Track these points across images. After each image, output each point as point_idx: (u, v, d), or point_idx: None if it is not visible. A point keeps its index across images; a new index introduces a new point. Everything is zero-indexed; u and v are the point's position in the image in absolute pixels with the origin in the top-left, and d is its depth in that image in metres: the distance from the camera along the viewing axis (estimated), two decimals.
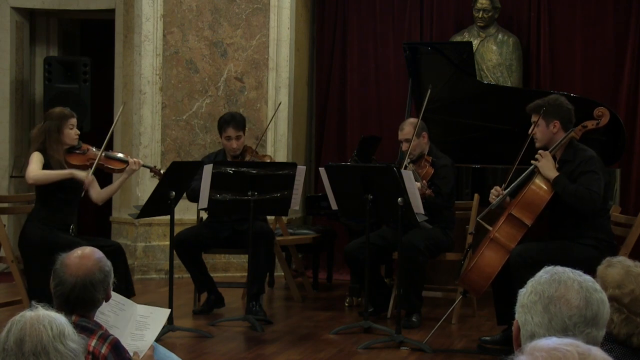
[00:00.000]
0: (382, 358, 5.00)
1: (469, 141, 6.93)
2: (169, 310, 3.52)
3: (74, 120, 5.44)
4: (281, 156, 7.70)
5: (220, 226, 6.15)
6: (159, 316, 3.39)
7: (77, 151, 5.50)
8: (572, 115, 5.03)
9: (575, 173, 4.92)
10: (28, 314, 2.05)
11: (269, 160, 6.22)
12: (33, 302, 2.22)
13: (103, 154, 5.50)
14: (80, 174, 5.38)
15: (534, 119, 5.04)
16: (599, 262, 2.57)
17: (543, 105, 5.01)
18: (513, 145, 5.33)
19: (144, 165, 5.74)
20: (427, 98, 5.90)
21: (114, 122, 6.00)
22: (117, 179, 5.84)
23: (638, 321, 2.40)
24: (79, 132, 5.49)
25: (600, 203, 4.91)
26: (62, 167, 5.37)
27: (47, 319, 2.03)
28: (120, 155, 5.69)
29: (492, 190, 5.15)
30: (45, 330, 1.99)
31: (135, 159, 5.65)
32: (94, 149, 5.56)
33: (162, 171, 5.65)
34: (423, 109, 5.94)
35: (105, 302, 2.90)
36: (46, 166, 5.32)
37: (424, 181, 5.70)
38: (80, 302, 2.77)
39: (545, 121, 4.99)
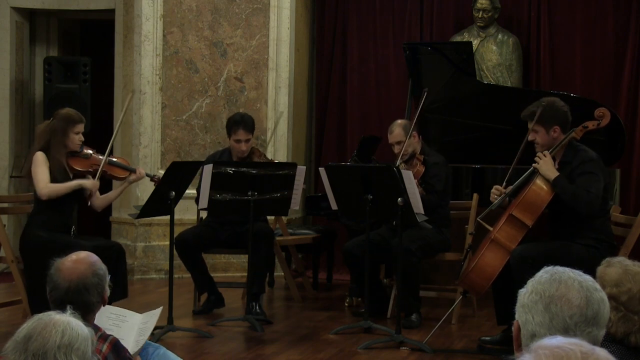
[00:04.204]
0: (382, 358, 5.00)
1: (469, 141, 6.93)
2: (160, 308, 3.53)
3: (81, 127, 5.41)
4: (281, 156, 7.70)
5: (221, 226, 6.15)
6: (153, 317, 3.43)
7: (80, 155, 5.47)
8: (569, 116, 5.02)
9: (575, 173, 4.92)
10: (52, 315, 2.00)
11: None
12: (69, 307, 2.18)
13: (107, 161, 5.49)
14: (87, 183, 5.40)
15: (530, 125, 5.02)
16: (598, 262, 2.58)
17: (539, 113, 4.98)
18: (513, 145, 5.32)
19: (146, 174, 5.72)
20: (422, 101, 5.84)
21: (120, 119, 5.89)
22: (117, 186, 5.84)
23: (635, 319, 2.40)
24: (83, 139, 5.46)
25: (599, 205, 4.91)
26: (63, 170, 5.35)
27: (63, 326, 1.97)
28: (123, 162, 5.68)
29: (493, 190, 5.15)
30: (55, 336, 1.94)
31: (141, 170, 5.65)
32: (97, 155, 5.54)
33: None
34: (417, 113, 5.90)
35: (102, 306, 2.89)
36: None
37: (416, 180, 5.71)
38: (74, 305, 2.74)
39: (544, 128, 4.98)
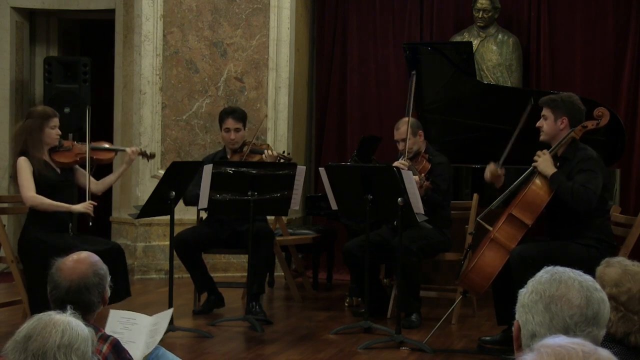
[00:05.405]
0: (382, 358, 5.00)
1: (469, 141, 6.93)
2: (171, 309, 3.58)
3: (56, 120, 5.41)
4: None
5: (220, 226, 6.14)
6: (165, 318, 3.46)
7: (62, 149, 5.47)
8: (582, 116, 5.04)
9: (574, 171, 4.92)
10: (52, 315, 2.01)
11: (266, 148, 6.21)
12: (69, 307, 2.18)
13: (90, 147, 5.48)
14: (77, 208, 5.35)
15: (544, 112, 5.05)
16: (598, 262, 2.58)
17: (556, 100, 5.03)
18: (513, 146, 5.33)
19: (139, 153, 5.74)
20: (412, 85, 5.83)
21: (87, 117, 5.77)
22: (116, 170, 5.85)
23: (635, 319, 2.41)
24: (60, 133, 5.44)
25: (597, 201, 4.90)
26: (45, 168, 5.34)
27: (63, 326, 1.97)
28: (106, 145, 5.68)
29: (488, 166, 5.19)
30: (54, 336, 1.94)
31: (133, 148, 5.68)
32: (78, 144, 5.55)
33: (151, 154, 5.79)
34: (411, 100, 5.94)
35: (103, 306, 2.89)
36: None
37: (422, 175, 5.72)
38: (75, 305, 2.74)
39: (554, 115, 5.00)
